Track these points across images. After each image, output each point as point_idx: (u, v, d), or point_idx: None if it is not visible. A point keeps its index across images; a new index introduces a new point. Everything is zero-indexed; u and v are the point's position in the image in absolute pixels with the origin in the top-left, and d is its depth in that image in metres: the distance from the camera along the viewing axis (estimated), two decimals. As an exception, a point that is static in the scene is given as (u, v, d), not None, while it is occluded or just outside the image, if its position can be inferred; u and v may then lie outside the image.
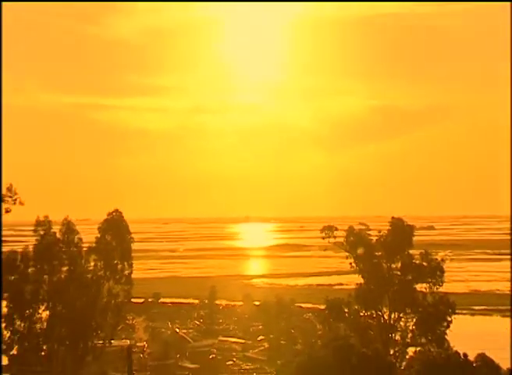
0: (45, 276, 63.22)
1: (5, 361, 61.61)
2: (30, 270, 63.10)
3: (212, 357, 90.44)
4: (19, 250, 64.56)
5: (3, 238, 72.71)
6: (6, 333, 61.23)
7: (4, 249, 65.53)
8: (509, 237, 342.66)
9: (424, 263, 69.93)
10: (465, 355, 42.45)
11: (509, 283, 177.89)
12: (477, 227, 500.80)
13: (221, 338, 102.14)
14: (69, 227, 64.80)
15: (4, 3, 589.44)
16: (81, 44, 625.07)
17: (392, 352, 65.21)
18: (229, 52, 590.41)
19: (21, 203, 62.17)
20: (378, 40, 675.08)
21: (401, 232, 71.09)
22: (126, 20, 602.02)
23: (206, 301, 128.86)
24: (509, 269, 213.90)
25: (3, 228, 68.69)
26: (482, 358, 50.19)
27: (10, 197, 61.63)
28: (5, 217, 62.14)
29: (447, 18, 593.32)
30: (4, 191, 61.49)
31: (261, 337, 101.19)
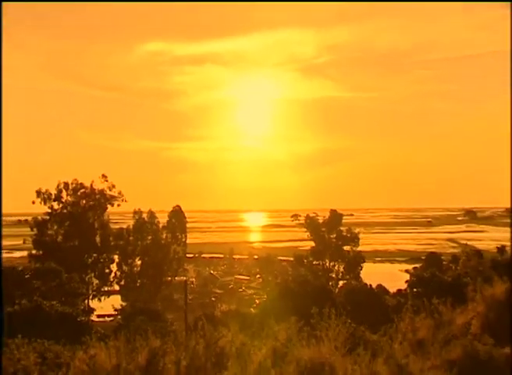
0: (139, 242, 63.31)
1: (117, 287, 61.49)
2: (130, 238, 63.16)
3: (231, 287, 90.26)
4: (124, 227, 64.59)
5: (115, 221, 72.41)
6: (118, 273, 61.25)
7: (115, 226, 65.48)
8: (394, 220, 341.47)
9: (348, 235, 70.05)
10: (371, 285, 42.41)
11: (394, 246, 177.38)
12: (378, 214, 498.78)
13: (236, 276, 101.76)
14: (151, 215, 64.82)
15: (103, 91, 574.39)
16: (158, 113, 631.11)
17: (330, 284, 65.24)
18: (240, 116, 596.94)
19: (125, 201, 62.25)
20: (321, 110, 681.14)
21: (335, 217, 71.29)
22: (184, 101, 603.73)
23: (227, 256, 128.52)
24: (395, 238, 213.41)
25: (116, 215, 68.46)
26: (380, 287, 50.25)
27: (119, 197, 61.67)
28: (118, 208, 62.34)
29: (365, 101, 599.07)
30: (116, 194, 61.54)
31: (258, 276, 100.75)
